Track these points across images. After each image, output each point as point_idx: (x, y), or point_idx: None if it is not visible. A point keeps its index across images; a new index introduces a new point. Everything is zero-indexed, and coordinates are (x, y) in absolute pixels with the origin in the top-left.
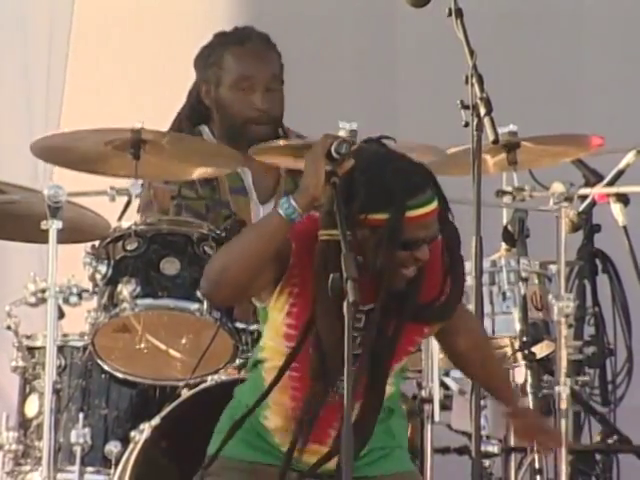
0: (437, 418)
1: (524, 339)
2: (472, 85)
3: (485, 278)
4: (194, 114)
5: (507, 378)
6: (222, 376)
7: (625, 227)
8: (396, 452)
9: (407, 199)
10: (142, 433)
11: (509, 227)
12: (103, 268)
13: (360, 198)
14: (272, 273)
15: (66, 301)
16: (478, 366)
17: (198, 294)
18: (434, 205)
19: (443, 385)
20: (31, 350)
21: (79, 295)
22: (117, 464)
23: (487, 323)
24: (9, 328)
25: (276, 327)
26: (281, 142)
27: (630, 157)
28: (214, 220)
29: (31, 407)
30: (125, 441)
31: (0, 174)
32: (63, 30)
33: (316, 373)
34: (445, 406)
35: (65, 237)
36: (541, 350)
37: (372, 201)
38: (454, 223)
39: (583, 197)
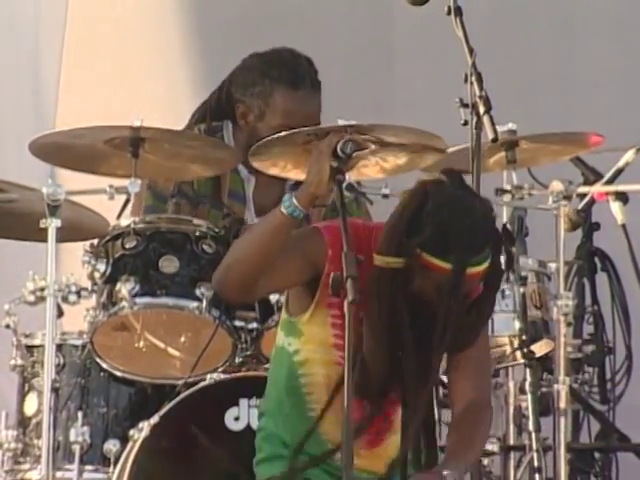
0: (436, 417)
1: (523, 338)
2: (471, 83)
3: None
4: (220, 110)
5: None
6: (221, 374)
7: (624, 225)
8: None
9: (467, 258)
10: (141, 432)
11: (508, 225)
12: (102, 266)
13: (423, 235)
14: (301, 273)
15: (65, 300)
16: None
17: (197, 292)
18: (484, 265)
19: (442, 384)
20: (30, 348)
21: (78, 293)
22: (116, 463)
23: None
24: (8, 326)
25: (321, 339)
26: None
27: (629, 155)
28: (201, 212)
29: (30, 405)
30: (124, 440)
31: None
32: (57, 28)
33: (362, 392)
34: (444, 404)
35: (64, 236)
36: (540, 349)
37: (432, 245)
38: (502, 266)
39: (582, 195)
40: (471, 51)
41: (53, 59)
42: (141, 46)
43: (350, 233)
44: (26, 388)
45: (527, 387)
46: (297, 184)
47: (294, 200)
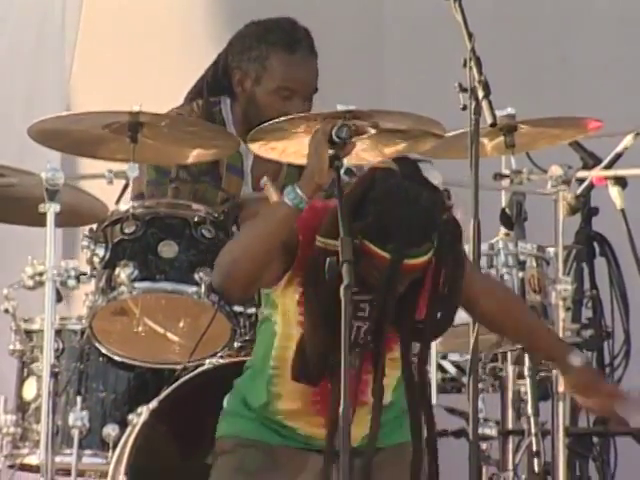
0: (434, 401)
1: None
2: (470, 68)
3: (483, 261)
4: (217, 84)
5: (548, 330)
6: (220, 359)
7: (623, 210)
8: (405, 421)
9: (404, 249)
10: (140, 416)
11: (507, 210)
12: (101, 251)
13: (364, 222)
14: (282, 264)
15: (64, 284)
16: (512, 327)
17: (196, 277)
18: (424, 258)
19: (441, 368)
20: (29, 333)
21: (77, 278)
22: (115, 447)
23: None
24: (7, 311)
25: (290, 315)
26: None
27: (628, 140)
28: (200, 190)
29: (29, 390)
30: (123, 424)
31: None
32: (74, 15)
33: (297, 372)
34: (443, 389)
35: (63, 220)
36: None
37: (372, 233)
38: (461, 254)
39: (581, 180)
40: (470, 36)
41: (68, 47)
42: (163, 37)
43: (311, 216)
44: (25, 373)
45: (526, 372)
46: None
47: (298, 190)
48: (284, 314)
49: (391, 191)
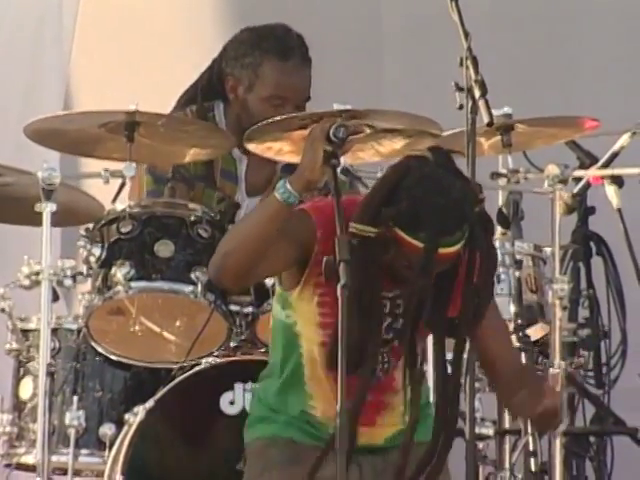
0: (431, 400)
1: (519, 322)
2: (467, 67)
3: None
4: (211, 89)
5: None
6: (216, 359)
7: (620, 209)
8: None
9: (437, 238)
10: (136, 416)
11: (504, 209)
12: (97, 251)
13: (397, 209)
14: (290, 257)
15: (60, 284)
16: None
17: (192, 276)
18: (456, 247)
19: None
20: (25, 332)
21: (73, 278)
22: (111, 446)
23: None
24: (3, 311)
25: (309, 317)
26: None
27: (625, 139)
28: (196, 196)
29: (25, 389)
30: (119, 424)
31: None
32: (71, 11)
33: (332, 361)
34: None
35: (59, 220)
36: (535, 333)
37: (404, 220)
38: (492, 247)
39: (578, 179)
40: (466, 35)
41: (66, 43)
42: (168, 36)
43: (332, 211)
44: (21, 372)
45: None
46: (289, 165)
47: (288, 186)
48: (300, 316)
49: (424, 179)
